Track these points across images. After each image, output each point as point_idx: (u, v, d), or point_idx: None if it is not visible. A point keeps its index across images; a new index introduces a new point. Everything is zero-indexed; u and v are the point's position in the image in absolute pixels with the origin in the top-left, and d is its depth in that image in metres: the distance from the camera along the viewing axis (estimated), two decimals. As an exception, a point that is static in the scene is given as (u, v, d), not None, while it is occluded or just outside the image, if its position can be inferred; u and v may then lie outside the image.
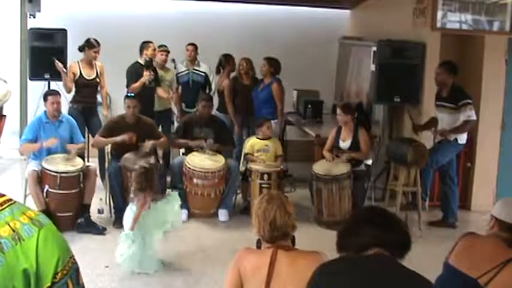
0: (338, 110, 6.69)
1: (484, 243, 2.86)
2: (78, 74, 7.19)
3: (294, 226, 2.89)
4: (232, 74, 8.02)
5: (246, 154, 6.92)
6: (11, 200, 1.41)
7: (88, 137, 7.33)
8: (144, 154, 6.54)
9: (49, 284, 1.37)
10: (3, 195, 1.41)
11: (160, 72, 7.62)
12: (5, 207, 1.39)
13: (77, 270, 1.44)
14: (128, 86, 7.33)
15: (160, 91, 7.60)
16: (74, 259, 1.44)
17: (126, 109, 6.50)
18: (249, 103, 7.72)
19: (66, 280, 1.39)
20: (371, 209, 2.47)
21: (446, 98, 6.46)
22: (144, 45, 7.44)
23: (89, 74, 7.25)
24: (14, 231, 1.36)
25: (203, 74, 8.06)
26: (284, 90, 7.64)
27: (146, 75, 7.24)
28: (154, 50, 7.49)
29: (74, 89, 7.27)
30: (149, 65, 7.38)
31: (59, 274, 1.38)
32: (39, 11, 8.11)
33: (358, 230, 2.21)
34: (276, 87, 7.50)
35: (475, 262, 2.75)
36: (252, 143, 6.91)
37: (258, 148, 6.83)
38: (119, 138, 6.36)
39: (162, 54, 7.66)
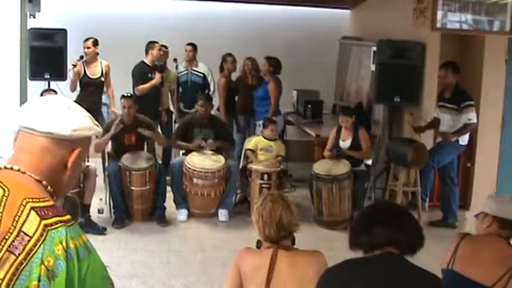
0: (341, 117, 6.69)
1: (489, 247, 2.78)
2: (83, 73, 7.23)
3: (297, 225, 2.90)
4: (236, 74, 8.03)
5: (247, 149, 6.93)
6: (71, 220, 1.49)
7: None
8: (143, 155, 6.56)
9: None
10: (68, 215, 1.49)
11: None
12: (70, 225, 1.45)
13: None
14: (134, 87, 7.36)
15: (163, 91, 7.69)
16: None
17: (122, 109, 6.51)
18: (250, 103, 7.73)
19: None
20: (383, 206, 2.42)
21: (449, 99, 6.46)
22: (150, 45, 7.47)
23: (93, 73, 7.29)
24: (76, 248, 1.43)
25: (201, 74, 8.05)
26: (281, 90, 7.64)
27: (158, 78, 7.31)
28: (160, 49, 7.52)
29: (78, 88, 7.31)
30: (162, 69, 7.49)
31: None
32: (39, 11, 8.10)
33: (370, 229, 2.18)
34: (272, 85, 7.52)
35: (486, 269, 2.68)
36: (256, 141, 6.92)
37: (262, 147, 6.85)
38: (112, 130, 6.25)
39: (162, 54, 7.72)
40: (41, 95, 6.38)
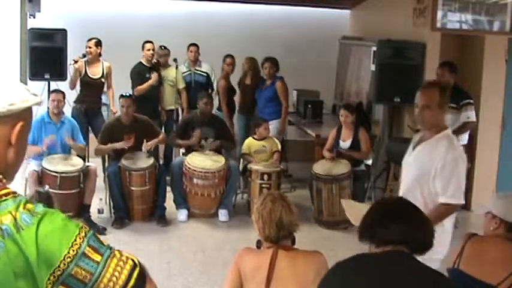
0: (342, 111, 6.70)
1: (495, 248, 2.76)
2: (83, 72, 7.23)
3: (297, 225, 2.90)
4: (237, 74, 8.03)
5: (243, 154, 6.96)
6: (15, 192, 1.46)
7: (89, 137, 7.33)
8: (143, 155, 6.56)
9: (57, 266, 1.40)
10: (8, 188, 1.46)
11: (161, 71, 7.67)
12: (8, 198, 1.43)
13: (84, 254, 1.43)
14: (133, 88, 7.37)
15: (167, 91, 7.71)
16: (81, 240, 1.43)
17: (121, 109, 6.52)
18: (251, 103, 7.73)
19: (76, 262, 1.41)
20: (399, 202, 2.35)
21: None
22: (143, 45, 7.51)
23: (93, 73, 7.29)
24: (15, 219, 1.40)
25: (205, 74, 8.08)
26: (288, 88, 7.66)
27: (155, 77, 7.31)
28: (149, 49, 7.50)
29: (78, 88, 7.31)
30: (156, 68, 7.50)
31: (66, 259, 1.40)
32: (39, 11, 8.11)
33: (387, 224, 2.13)
34: (281, 85, 7.50)
35: (490, 269, 2.67)
36: (249, 144, 6.93)
37: (255, 149, 6.86)
38: (117, 145, 6.37)
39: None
40: (48, 95, 6.36)
